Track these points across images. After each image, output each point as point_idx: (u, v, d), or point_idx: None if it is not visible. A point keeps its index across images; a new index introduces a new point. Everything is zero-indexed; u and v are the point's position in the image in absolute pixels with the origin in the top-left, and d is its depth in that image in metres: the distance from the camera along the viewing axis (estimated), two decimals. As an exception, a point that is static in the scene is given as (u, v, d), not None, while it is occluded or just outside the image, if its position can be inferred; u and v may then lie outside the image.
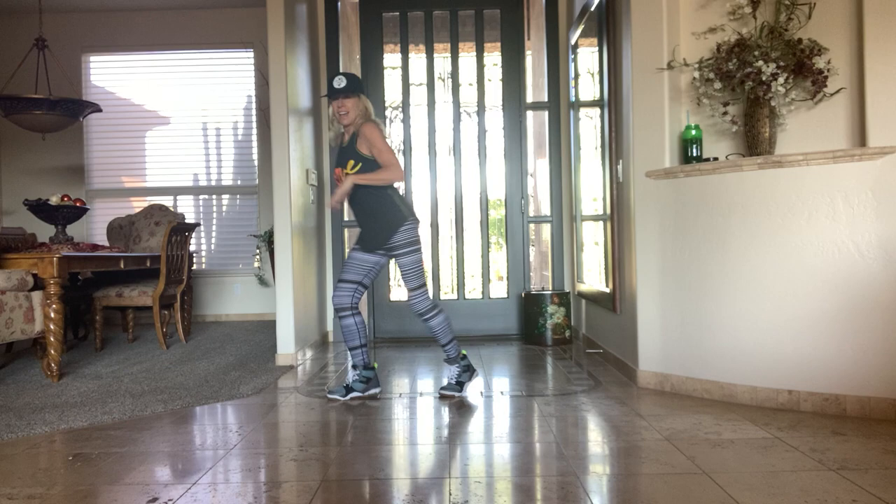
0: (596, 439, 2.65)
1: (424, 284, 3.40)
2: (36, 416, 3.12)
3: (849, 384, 2.87)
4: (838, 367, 2.89)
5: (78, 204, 5.02)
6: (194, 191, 7.12)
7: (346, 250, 5.55)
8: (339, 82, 3.27)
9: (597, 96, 4.36)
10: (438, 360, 4.40)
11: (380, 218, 3.34)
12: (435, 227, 5.52)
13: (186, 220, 6.13)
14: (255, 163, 7.05)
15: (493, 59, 5.51)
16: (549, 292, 4.98)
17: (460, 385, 3.44)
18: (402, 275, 3.39)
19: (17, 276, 3.82)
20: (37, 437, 2.80)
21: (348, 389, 3.41)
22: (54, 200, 4.87)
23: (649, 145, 3.49)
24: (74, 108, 5.38)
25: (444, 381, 3.58)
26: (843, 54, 3.13)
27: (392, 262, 3.53)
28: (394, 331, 5.42)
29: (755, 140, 3.22)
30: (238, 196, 7.12)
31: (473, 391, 3.52)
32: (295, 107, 4.59)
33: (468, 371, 3.48)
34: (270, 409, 3.21)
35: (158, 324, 5.07)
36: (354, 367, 3.48)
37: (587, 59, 4.68)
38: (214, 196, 7.14)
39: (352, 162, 3.31)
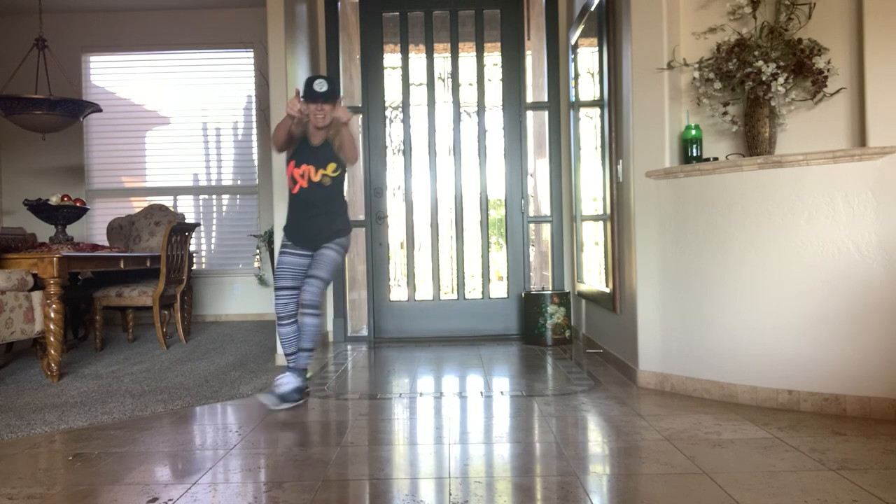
0: (596, 439, 2.65)
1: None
2: (36, 416, 3.12)
3: (849, 384, 2.87)
4: (838, 367, 2.89)
5: (78, 204, 5.02)
6: (194, 191, 7.12)
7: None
8: (321, 86, 3.20)
9: (597, 96, 4.36)
10: (437, 360, 4.41)
11: (343, 215, 3.47)
12: (435, 227, 5.52)
13: (186, 220, 6.13)
14: (255, 163, 7.05)
15: (493, 59, 5.51)
16: (549, 292, 4.97)
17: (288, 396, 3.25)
18: (320, 264, 3.33)
19: (17, 276, 3.82)
20: (37, 437, 2.80)
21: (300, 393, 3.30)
22: (54, 200, 4.87)
23: (649, 145, 3.49)
24: (74, 108, 5.38)
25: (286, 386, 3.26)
26: (843, 54, 3.13)
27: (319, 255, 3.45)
28: (394, 331, 5.42)
29: (755, 140, 3.22)
30: (238, 196, 7.12)
31: (473, 391, 3.52)
32: (295, 107, 4.58)
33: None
34: (270, 409, 3.20)
35: (158, 324, 5.07)
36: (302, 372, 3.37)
37: (587, 59, 4.68)
38: (214, 196, 7.14)
39: (333, 165, 3.34)
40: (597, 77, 4.34)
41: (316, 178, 3.31)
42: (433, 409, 3.17)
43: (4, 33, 6.86)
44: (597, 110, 4.38)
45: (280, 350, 4.39)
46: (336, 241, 3.41)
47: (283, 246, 3.45)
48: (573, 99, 5.06)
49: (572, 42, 5.02)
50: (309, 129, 3.32)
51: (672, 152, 3.44)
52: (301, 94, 3.23)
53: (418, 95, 5.51)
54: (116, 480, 2.26)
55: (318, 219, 3.38)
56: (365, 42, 5.45)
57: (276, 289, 3.35)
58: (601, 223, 4.37)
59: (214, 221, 7.17)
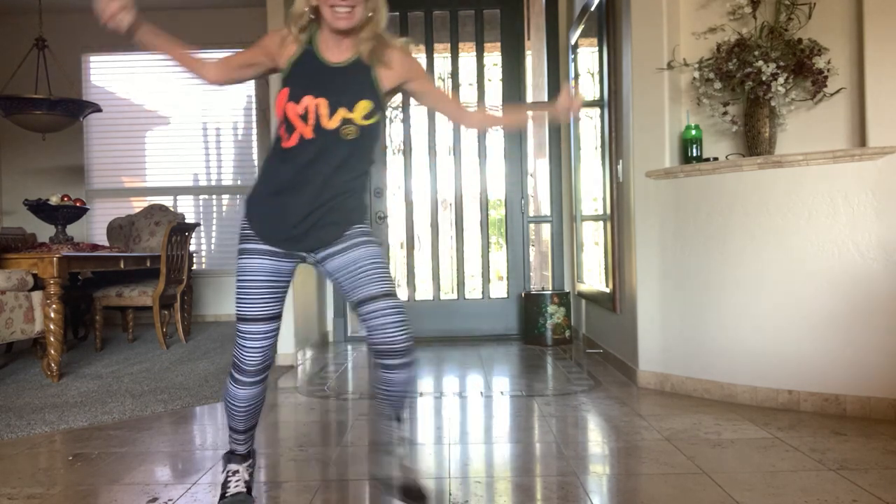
0: (596, 439, 2.65)
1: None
2: (36, 416, 3.12)
3: (849, 384, 2.87)
4: (838, 367, 2.89)
5: (78, 204, 5.02)
6: (194, 191, 7.12)
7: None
8: None
9: (597, 96, 4.35)
10: (437, 360, 4.40)
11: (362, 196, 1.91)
12: (435, 227, 5.52)
13: (186, 220, 6.13)
14: (255, 163, 7.04)
15: (493, 59, 5.51)
16: (549, 292, 4.97)
17: None
18: (376, 269, 1.82)
19: (17, 276, 3.81)
20: (37, 437, 2.80)
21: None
22: (54, 200, 4.87)
23: (649, 145, 3.48)
24: (74, 108, 5.38)
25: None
26: (843, 54, 3.13)
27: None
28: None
29: (755, 140, 3.21)
30: (238, 196, 7.11)
31: (473, 391, 3.52)
32: (295, 107, 4.58)
33: None
34: (270, 409, 3.20)
35: (158, 324, 5.07)
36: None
37: (587, 59, 4.68)
38: (214, 196, 7.14)
39: (368, 104, 1.79)
40: (597, 77, 4.34)
41: (330, 124, 1.76)
42: (433, 409, 3.17)
43: (4, 33, 6.85)
44: (597, 110, 4.37)
45: (279, 350, 4.36)
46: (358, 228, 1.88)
47: (243, 242, 1.85)
48: (573, 99, 5.04)
49: (572, 42, 5.01)
50: (322, 32, 1.81)
51: (672, 152, 3.44)
52: None
53: (418, 95, 5.50)
54: (116, 480, 2.26)
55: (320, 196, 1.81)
56: (365, 42, 5.44)
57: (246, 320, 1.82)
58: (601, 223, 4.37)
59: (214, 221, 7.16)
